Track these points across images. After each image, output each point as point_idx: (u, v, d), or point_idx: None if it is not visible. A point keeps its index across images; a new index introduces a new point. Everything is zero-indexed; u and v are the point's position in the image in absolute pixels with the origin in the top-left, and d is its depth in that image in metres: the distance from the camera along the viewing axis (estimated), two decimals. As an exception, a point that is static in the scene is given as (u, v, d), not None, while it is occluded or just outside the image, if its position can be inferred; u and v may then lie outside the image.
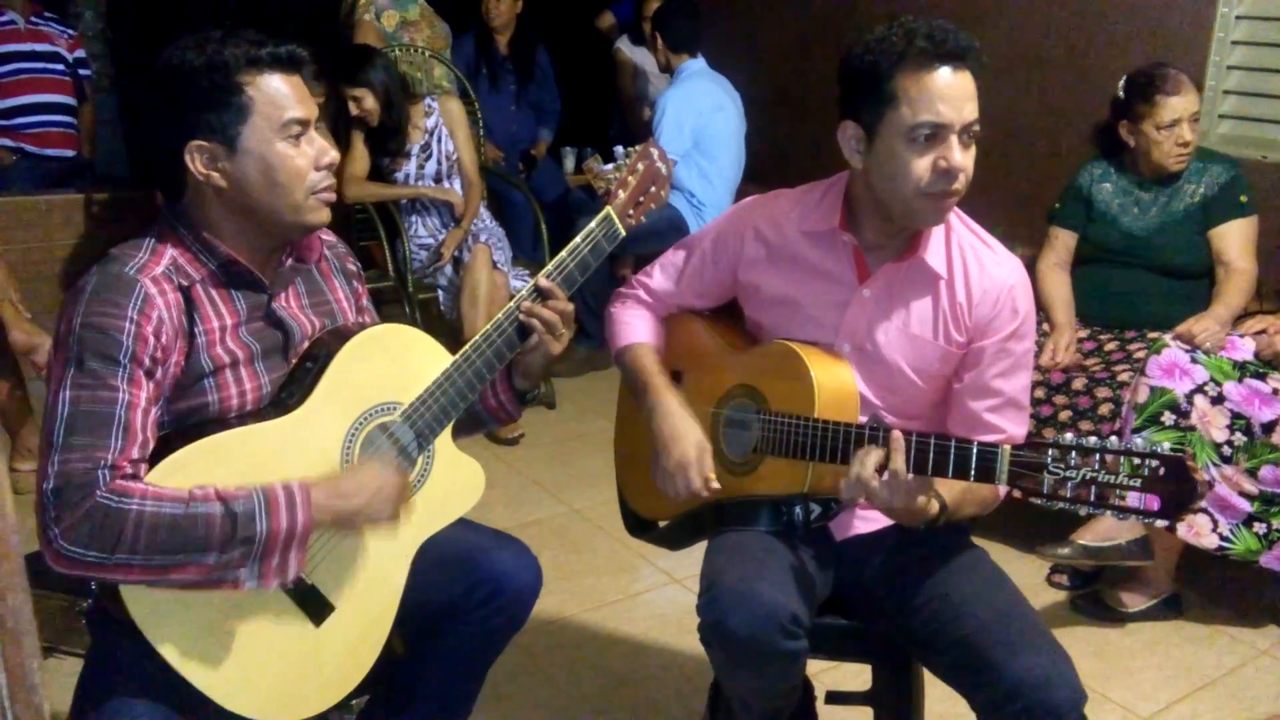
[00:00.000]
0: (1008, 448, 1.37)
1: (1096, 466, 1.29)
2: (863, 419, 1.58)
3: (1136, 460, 1.27)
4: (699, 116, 3.99)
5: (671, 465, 1.63)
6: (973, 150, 1.49)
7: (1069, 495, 1.32)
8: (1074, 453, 1.31)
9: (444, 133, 3.73)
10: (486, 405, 1.65)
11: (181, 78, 1.34)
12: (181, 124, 1.35)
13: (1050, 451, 1.33)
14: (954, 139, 1.46)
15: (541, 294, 1.56)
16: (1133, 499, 1.29)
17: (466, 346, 1.53)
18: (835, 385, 1.56)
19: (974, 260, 1.58)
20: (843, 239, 1.61)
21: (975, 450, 1.39)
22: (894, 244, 1.60)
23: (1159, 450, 1.27)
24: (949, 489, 1.49)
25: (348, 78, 3.55)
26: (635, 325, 1.81)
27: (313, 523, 1.32)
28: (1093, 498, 1.30)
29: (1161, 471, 1.26)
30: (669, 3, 4.15)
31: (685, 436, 1.63)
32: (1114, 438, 1.27)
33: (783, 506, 1.58)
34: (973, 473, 1.39)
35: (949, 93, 1.44)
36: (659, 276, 1.82)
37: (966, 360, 1.60)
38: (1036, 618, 1.50)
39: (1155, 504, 1.27)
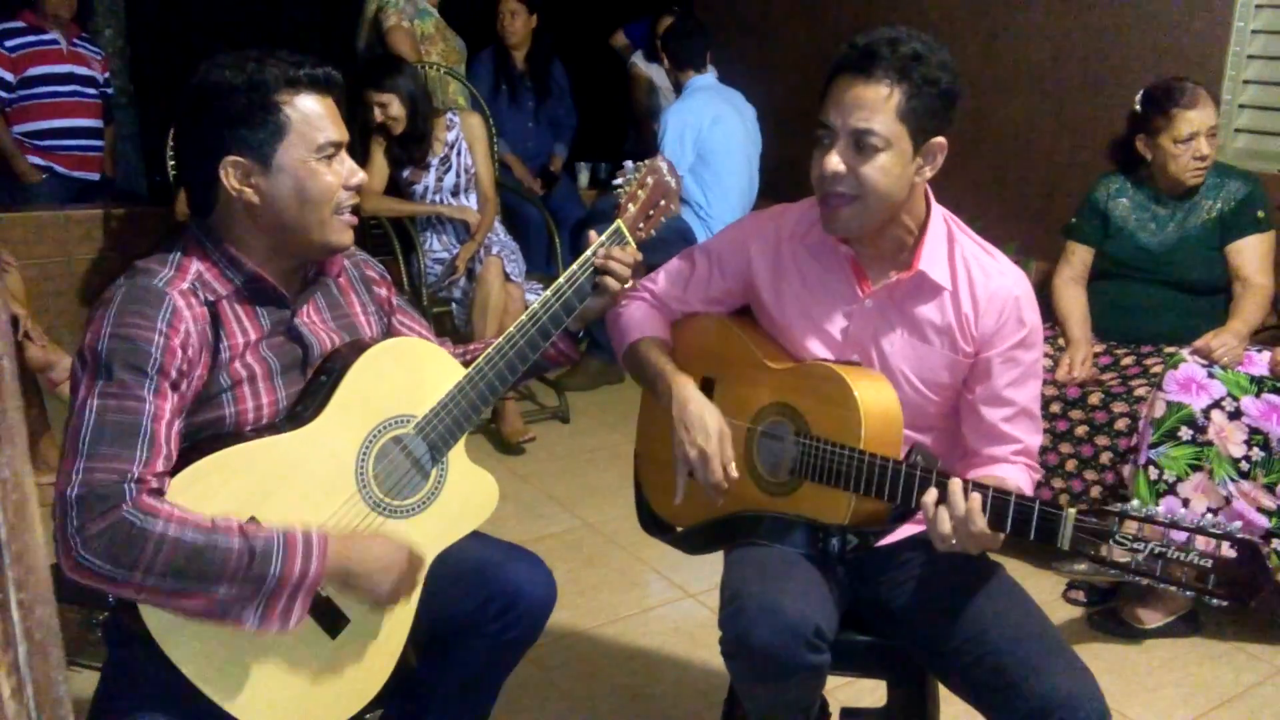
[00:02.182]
0: (1073, 511, 1.33)
1: (1165, 541, 1.26)
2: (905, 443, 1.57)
3: (1208, 540, 1.24)
4: (699, 131, 4.04)
5: (693, 454, 1.61)
6: (874, 161, 1.48)
7: (1134, 567, 1.28)
8: (1142, 524, 1.27)
9: (464, 147, 3.76)
10: (545, 354, 1.64)
11: (220, 95, 1.36)
12: (218, 140, 1.37)
13: (1116, 520, 1.30)
14: (840, 142, 1.50)
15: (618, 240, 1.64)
16: (1198, 578, 1.25)
17: (479, 359, 1.54)
18: (881, 413, 1.54)
19: (978, 270, 1.59)
20: (840, 250, 1.62)
21: (1037, 510, 1.36)
22: (890, 256, 1.60)
23: (1231, 531, 1.23)
24: None
25: (374, 83, 3.56)
26: (640, 322, 1.81)
27: (324, 574, 1.33)
28: (1159, 573, 1.27)
29: (1234, 554, 1.23)
30: (673, 22, 4.29)
31: (704, 424, 1.61)
32: (1183, 508, 1.24)
33: (820, 533, 1.56)
34: (1033, 533, 1.36)
35: (841, 98, 1.49)
36: (664, 283, 1.82)
37: (976, 371, 1.60)
38: (1057, 634, 1.49)
39: (1224, 587, 1.24)
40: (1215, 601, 1.25)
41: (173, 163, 3.88)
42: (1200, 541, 1.26)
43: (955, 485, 1.41)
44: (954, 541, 1.42)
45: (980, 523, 1.39)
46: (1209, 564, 1.24)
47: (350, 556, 1.37)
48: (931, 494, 1.43)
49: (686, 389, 1.65)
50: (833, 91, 1.51)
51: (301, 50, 1.42)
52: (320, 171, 1.40)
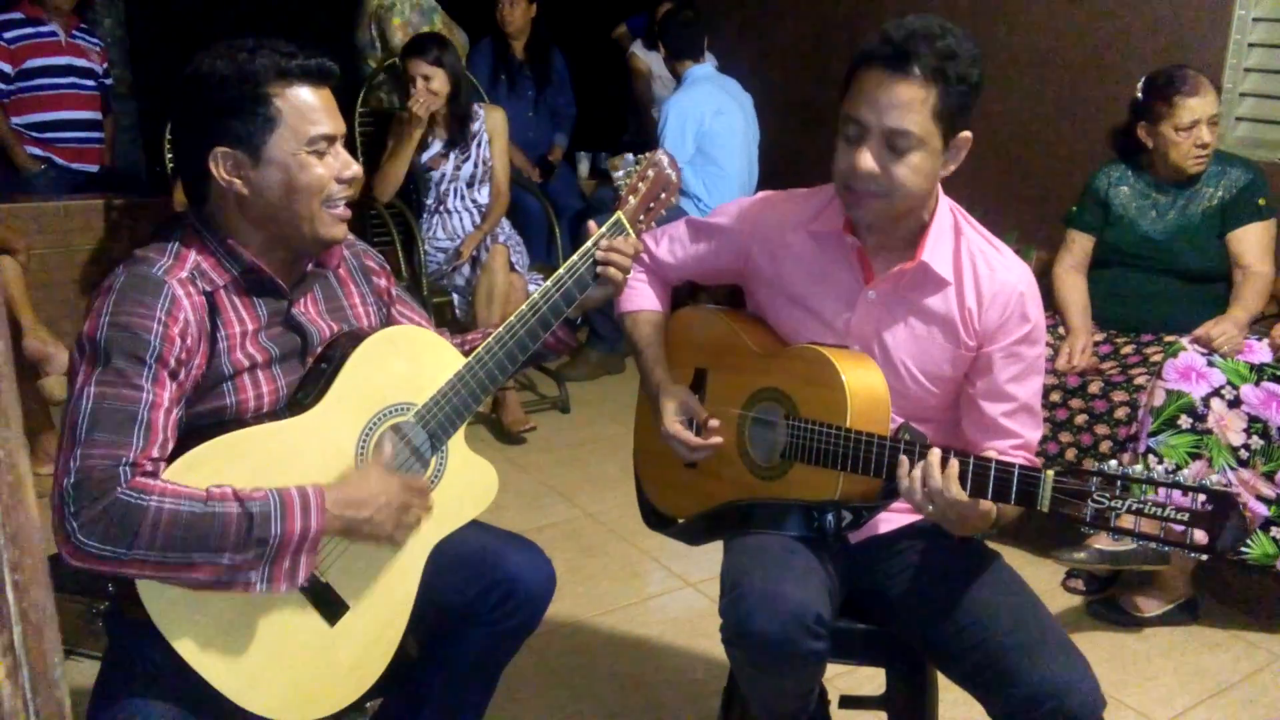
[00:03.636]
0: (1050, 473, 1.35)
1: (1141, 498, 1.27)
2: (896, 419, 1.58)
3: (1184, 493, 1.25)
4: (700, 122, 4.03)
5: (662, 435, 1.71)
6: (906, 160, 1.46)
7: (1113, 525, 1.30)
8: (1119, 482, 1.29)
9: (485, 138, 3.77)
10: (544, 342, 1.64)
11: (211, 85, 1.35)
12: (208, 130, 1.36)
13: (1095, 480, 1.31)
14: (872, 141, 1.46)
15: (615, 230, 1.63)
16: (1177, 532, 1.26)
17: (479, 348, 1.54)
18: (867, 393, 1.55)
19: (984, 265, 1.58)
20: (847, 240, 1.61)
21: (1017, 473, 1.37)
22: (897, 247, 1.60)
23: (1207, 484, 1.24)
24: None
25: (422, 52, 3.55)
26: (638, 290, 1.84)
27: (325, 527, 1.33)
28: (1138, 529, 1.28)
29: (1209, 506, 1.23)
30: (667, 13, 4.30)
31: (663, 410, 1.71)
32: (1159, 466, 1.25)
33: (814, 512, 1.57)
34: (1013, 496, 1.38)
35: (874, 95, 1.45)
36: (665, 249, 1.83)
37: (978, 365, 1.60)
38: (1054, 622, 1.50)
39: (1202, 538, 1.25)
40: (1193, 554, 1.26)
41: (171, 154, 3.87)
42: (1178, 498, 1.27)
43: (933, 454, 1.42)
44: (931, 508, 1.43)
45: (955, 489, 1.40)
46: (1185, 518, 1.24)
47: (348, 503, 1.37)
48: (904, 463, 1.44)
49: (651, 379, 1.76)
50: (863, 85, 1.46)
51: (299, 40, 1.41)
52: (310, 164, 1.39)
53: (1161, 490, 1.28)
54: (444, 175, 3.73)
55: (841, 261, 1.63)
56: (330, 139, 1.41)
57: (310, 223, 1.42)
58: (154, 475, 1.27)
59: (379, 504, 1.40)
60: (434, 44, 3.60)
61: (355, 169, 1.44)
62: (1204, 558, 1.27)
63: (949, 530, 1.50)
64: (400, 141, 3.62)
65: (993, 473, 1.39)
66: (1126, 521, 1.29)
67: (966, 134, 1.51)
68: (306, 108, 1.38)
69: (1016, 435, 1.60)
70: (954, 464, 1.41)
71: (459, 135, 3.69)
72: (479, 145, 3.76)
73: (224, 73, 1.35)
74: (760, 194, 1.79)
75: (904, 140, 1.45)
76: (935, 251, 1.57)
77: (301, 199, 1.40)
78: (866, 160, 1.47)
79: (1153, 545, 1.28)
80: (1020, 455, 1.60)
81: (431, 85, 3.56)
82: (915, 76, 1.43)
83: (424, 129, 3.61)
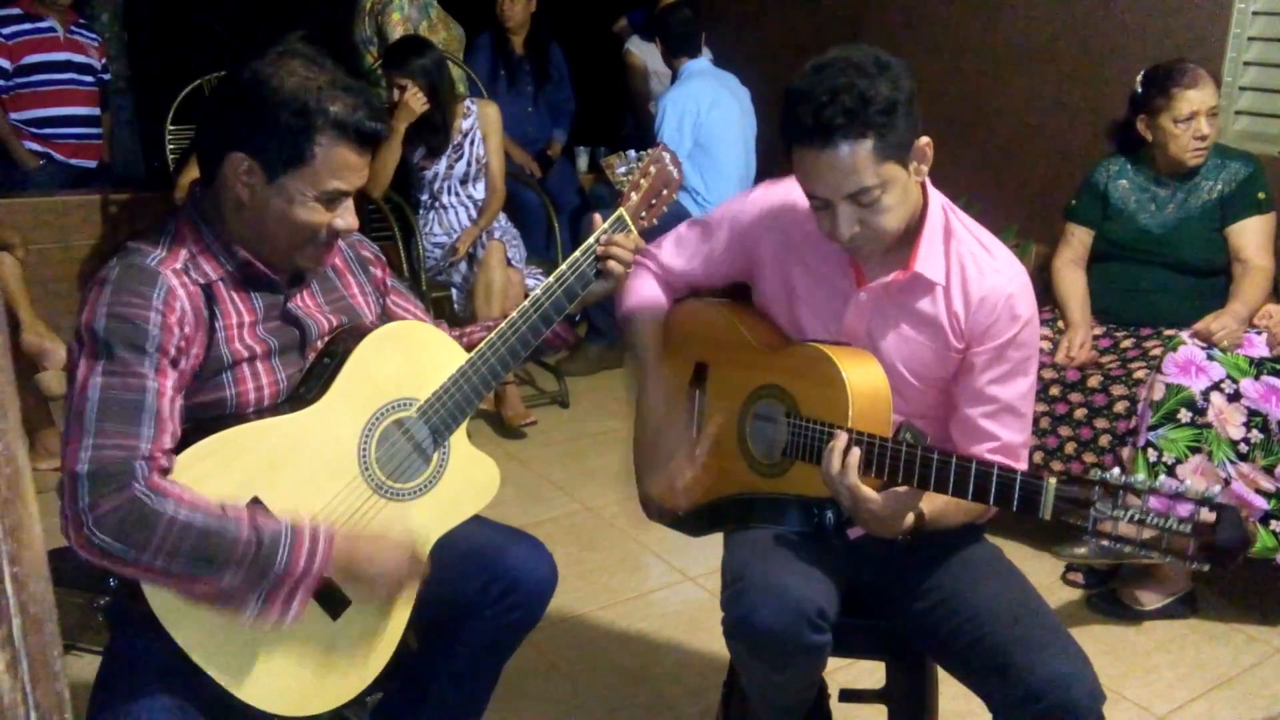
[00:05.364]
0: (1054, 481, 1.34)
1: (1145, 508, 1.26)
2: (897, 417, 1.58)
3: (1189, 505, 1.24)
4: (697, 116, 4.04)
5: (646, 453, 1.74)
6: (878, 207, 1.47)
7: (1114, 534, 1.29)
8: (1122, 491, 1.28)
9: (478, 136, 3.76)
10: (544, 338, 1.64)
11: (267, 98, 1.34)
12: (240, 131, 1.36)
13: (1097, 489, 1.30)
14: (841, 207, 1.47)
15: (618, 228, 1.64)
16: (1179, 544, 1.25)
17: (482, 345, 1.54)
18: (870, 392, 1.54)
19: (973, 267, 1.57)
20: (837, 246, 1.61)
21: (1020, 480, 1.36)
22: (889, 250, 1.59)
23: (1211, 496, 1.23)
24: (931, 500, 1.49)
25: (398, 65, 3.54)
26: (641, 291, 1.83)
27: (326, 570, 1.34)
28: (1140, 539, 1.27)
29: (1213, 519, 1.23)
30: (662, 11, 4.30)
31: (643, 417, 1.74)
32: (1163, 477, 1.24)
33: (814, 508, 1.57)
34: (1015, 503, 1.37)
35: (818, 173, 1.46)
36: (670, 251, 1.83)
37: (963, 366, 1.60)
38: (1052, 616, 1.50)
39: (1203, 551, 1.23)
40: (1195, 565, 1.26)
41: (171, 147, 3.87)
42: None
43: (837, 440, 1.47)
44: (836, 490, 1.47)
45: (852, 477, 1.44)
46: (1188, 529, 1.24)
47: (354, 558, 1.37)
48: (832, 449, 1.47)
49: (645, 385, 1.77)
50: (805, 165, 1.47)
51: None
52: (315, 210, 1.39)
53: (1164, 500, 1.27)
54: (436, 175, 3.72)
55: (834, 263, 1.64)
56: (346, 195, 1.41)
57: (292, 254, 1.43)
58: (168, 471, 1.27)
59: (384, 569, 1.40)
60: (411, 53, 3.57)
61: (350, 222, 1.44)
62: (1205, 568, 1.26)
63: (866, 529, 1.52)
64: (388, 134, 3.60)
65: (995, 478, 1.38)
66: (1128, 531, 1.29)
67: (925, 139, 1.50)
68: (340, 164, 1.38)
69: (994, 437, 1.59)
70: (855, 453, 1.45)
71: (435, 141, 3.66)
72: (472, 143, 3.74)
73: (286, 94, 1.33)
74: (760, 185, 1.78)
75: (867, 195, 1.46)
76: (927, 259, 1.56)
77: (293, 233, 1.40)
78: (845, 227, 1.49)
79: (1154, 555, 1.27)
80: (998, 459, 1.59)
81: (412, 94, 3.53)
82: (844, 142, 1.42)
83: (407, 123, 3.58)
